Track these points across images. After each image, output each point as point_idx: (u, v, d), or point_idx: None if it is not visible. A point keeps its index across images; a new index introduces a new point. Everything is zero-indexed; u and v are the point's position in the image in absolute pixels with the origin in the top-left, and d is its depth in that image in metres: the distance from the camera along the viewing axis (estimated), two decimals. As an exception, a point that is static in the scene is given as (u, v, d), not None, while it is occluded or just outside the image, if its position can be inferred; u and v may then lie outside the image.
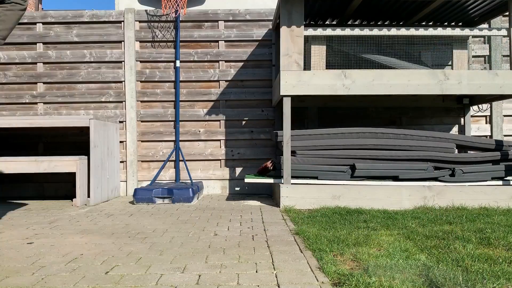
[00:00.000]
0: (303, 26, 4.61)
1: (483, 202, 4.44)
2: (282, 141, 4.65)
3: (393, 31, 4.73)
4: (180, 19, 5.98)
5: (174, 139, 5.93)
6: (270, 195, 5.68)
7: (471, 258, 2.41)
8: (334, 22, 5.87)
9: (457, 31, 4.78)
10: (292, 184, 4.60)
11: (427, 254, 2.54)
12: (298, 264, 2.37)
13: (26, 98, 6.01)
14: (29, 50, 6.06)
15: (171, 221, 3.79)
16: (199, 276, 2.19)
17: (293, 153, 4.76)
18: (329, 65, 4.99)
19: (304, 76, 4.56)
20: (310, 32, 4.73)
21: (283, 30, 4.60)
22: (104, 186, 5.16)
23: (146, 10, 6.08)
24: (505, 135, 5.95)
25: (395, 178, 4.76)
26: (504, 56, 5.94)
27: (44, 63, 6.05)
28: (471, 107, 5.85)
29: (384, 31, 4.73)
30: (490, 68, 5.89)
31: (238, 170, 5.98)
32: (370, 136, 4.86)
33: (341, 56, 5.08)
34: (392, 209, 4.37)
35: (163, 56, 6.02)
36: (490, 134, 5.98)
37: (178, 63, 5.94)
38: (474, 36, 5.93)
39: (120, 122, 5.98)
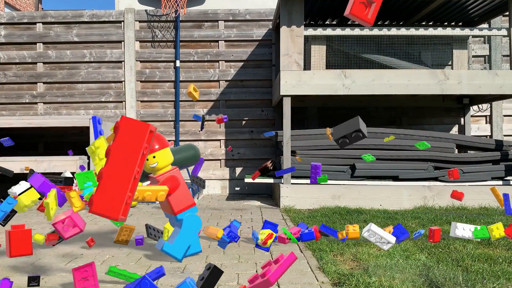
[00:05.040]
0: (303, 26, 4.61)
1: (483, 202, 4.44)
2: (282, 141, 4.65)
3: (393, 31, 4.73)
4: (180, 19, 5.98)
5: (174, 139, 5.93)
6: (270, 195, 5.68)
7: (471, 258, 2.41)
8: (334, 22, 5.87)
9: (457, 31, 4.78)
10: (292, 184, 4.60)
11: (427, 254, 2.54)
12: (298, 264, 2.37)
13: (26, 98, 6.01)
14: (29, 50, 6.06)
15: (171, 221, 3.79)
16: (199, 276, 2.18)
17: (293, 153, 4.76)
18: (329, 65, 4.98)
19: (304, 76, 4.56)
20: (310, 32, 4.72)
21: (283, 30, 4.60)
22: (104, 186, 5.15)
23: (146, 10, 6.08)
24: (505, 135, 5.95)
25: (395, 178, 4.76)
26: (504, 56, 5.94)
27: (44, 63, 6.05)
28: (471, 107, 5.85)
29: (384, 31, 4.72)
30: (490, 68, 5.89)
31: (238, 170, 5.98)
32: (370, 136, 4.86)
33: (341, 56, 5.07)
34: (392, 209, 4.37)
35: (163, 56, 6.02)
36: (490, 134, 5.98)
37: (178, 63, 5.94)
38: (474, 36, 5.93)
39: (120, 122, 5.97)
